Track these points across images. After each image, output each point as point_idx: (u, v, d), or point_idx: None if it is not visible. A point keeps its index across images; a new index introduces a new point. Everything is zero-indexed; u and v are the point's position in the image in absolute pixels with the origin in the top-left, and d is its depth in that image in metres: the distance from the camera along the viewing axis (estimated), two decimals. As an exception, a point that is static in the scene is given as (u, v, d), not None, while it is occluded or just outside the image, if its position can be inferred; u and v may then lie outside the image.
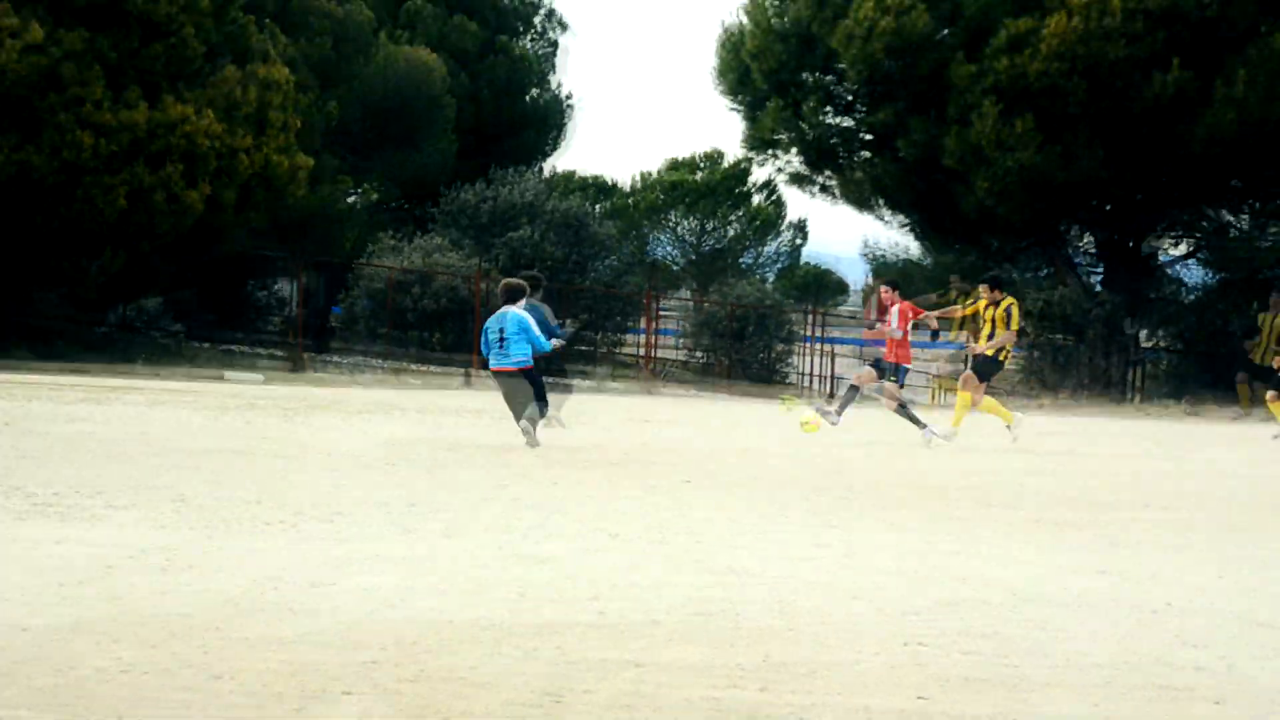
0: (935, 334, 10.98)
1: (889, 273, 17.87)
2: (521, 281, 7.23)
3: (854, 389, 8.59)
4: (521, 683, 2.28)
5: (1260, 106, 14.28)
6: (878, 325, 9.24)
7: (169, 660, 2.34)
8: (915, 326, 8.50)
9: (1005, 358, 8.73)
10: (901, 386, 8.48)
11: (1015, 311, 8.24)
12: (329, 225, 17.31)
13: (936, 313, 9.55)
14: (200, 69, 13.88)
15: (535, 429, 6.62)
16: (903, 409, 8.28)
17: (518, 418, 6.75)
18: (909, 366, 8.71)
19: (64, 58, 12.54)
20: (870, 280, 21.26)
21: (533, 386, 6.76)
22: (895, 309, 8.40)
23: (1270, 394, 9.83)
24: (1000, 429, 8.52)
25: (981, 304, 8.40)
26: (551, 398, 7.21)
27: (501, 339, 6.76)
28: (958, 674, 2.45)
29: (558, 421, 7.91)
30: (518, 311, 6.82)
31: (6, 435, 6.44)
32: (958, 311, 10.07)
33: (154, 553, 3.41)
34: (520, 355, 6.72)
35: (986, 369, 8.36)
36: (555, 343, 7.29)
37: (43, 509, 4.13)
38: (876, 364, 8.46)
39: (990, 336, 8.23)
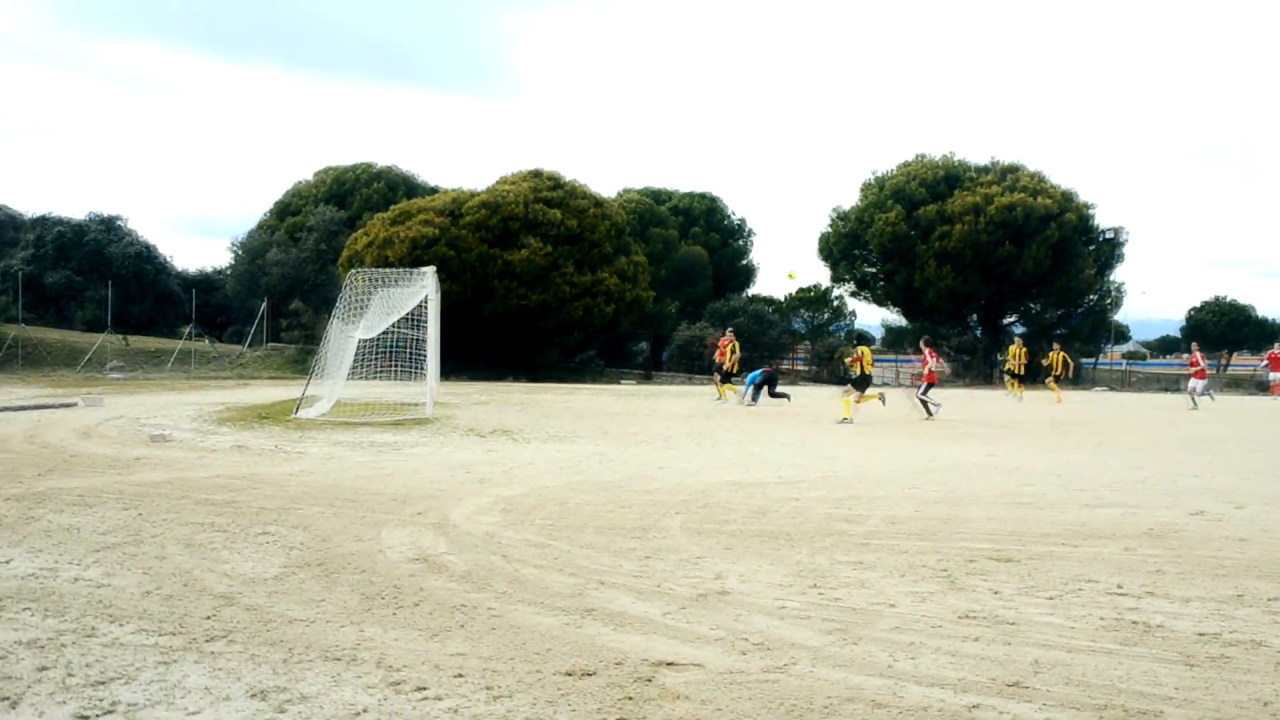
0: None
1: (912, 335, 45.46)
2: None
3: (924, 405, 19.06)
4: (748, 506, 7.84)
5: (1041, 261, 46.30)
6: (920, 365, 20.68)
7: (605, 500, 8.09)
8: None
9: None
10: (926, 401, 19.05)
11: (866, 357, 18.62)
12: (660, 320, 47.34)
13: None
14: (610, 257, 39.69)
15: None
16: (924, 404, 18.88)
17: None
18: (933, 384, 19.48)
19: (559, 257, 38.12)
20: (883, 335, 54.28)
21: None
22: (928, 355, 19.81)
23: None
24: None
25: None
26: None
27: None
28: (931, 499, 8.35)
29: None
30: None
31: (534, 408, 19.00)
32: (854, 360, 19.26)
33: (594, 456, 11.22)
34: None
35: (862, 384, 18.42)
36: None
37: (553, 438, 13.29)
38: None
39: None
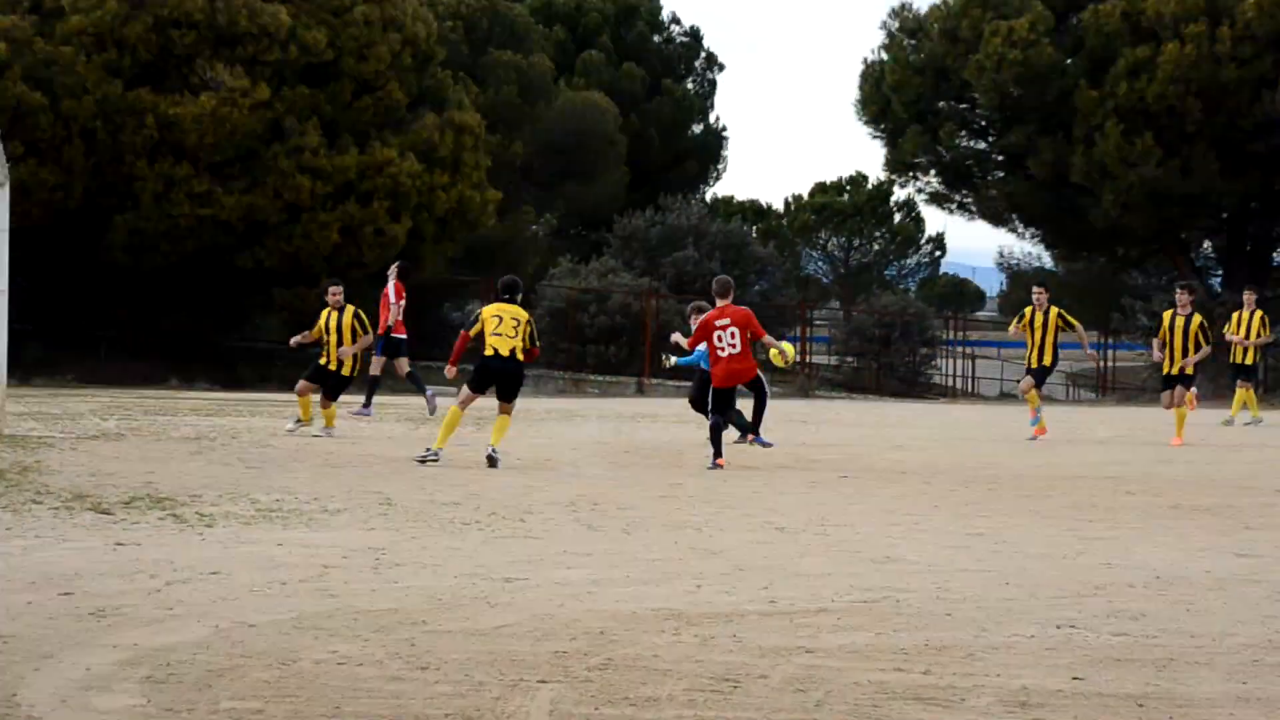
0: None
1: (1023, 282, 38.25)
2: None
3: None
4: (700, 668, 4.70)
5: None
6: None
7: (380, 652, 4.91)
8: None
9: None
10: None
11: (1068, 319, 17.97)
12: (515, 252, 35.07)
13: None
14: (403, 118, 29.68)
15: None
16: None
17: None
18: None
19: (286, 112, 27.85)
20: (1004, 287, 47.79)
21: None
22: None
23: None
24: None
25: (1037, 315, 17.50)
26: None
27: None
28: (1108, 654, 5.09)
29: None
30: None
31: (233, 449, 13.89)
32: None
33: (364, 553, 7.46)
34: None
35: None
36: None
37: (266, 514, 9.01)
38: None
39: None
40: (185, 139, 27.45)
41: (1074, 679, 4.96)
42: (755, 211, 51.02)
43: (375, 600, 6.54)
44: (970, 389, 40.37)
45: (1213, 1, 33.00)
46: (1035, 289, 18.12)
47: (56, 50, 27.13)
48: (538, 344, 13.31)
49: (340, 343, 16.04)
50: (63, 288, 28.85)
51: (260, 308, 31.33)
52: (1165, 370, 17.59)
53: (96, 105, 27.18)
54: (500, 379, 13.02)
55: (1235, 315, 21.71)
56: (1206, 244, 38.33)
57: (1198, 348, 17.02)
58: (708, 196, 45.21)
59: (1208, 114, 32.46)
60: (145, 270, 28.58)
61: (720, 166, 46.67)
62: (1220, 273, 37.46)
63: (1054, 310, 17.45)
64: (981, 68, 33.85)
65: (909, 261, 51.29)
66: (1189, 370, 17.09)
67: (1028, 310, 17.75)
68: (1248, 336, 21.05)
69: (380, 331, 18.56)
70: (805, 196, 52.29)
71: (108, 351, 30.08)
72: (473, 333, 13.22)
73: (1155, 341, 17.88)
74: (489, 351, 12.92)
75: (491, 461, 12.55)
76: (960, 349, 41.16)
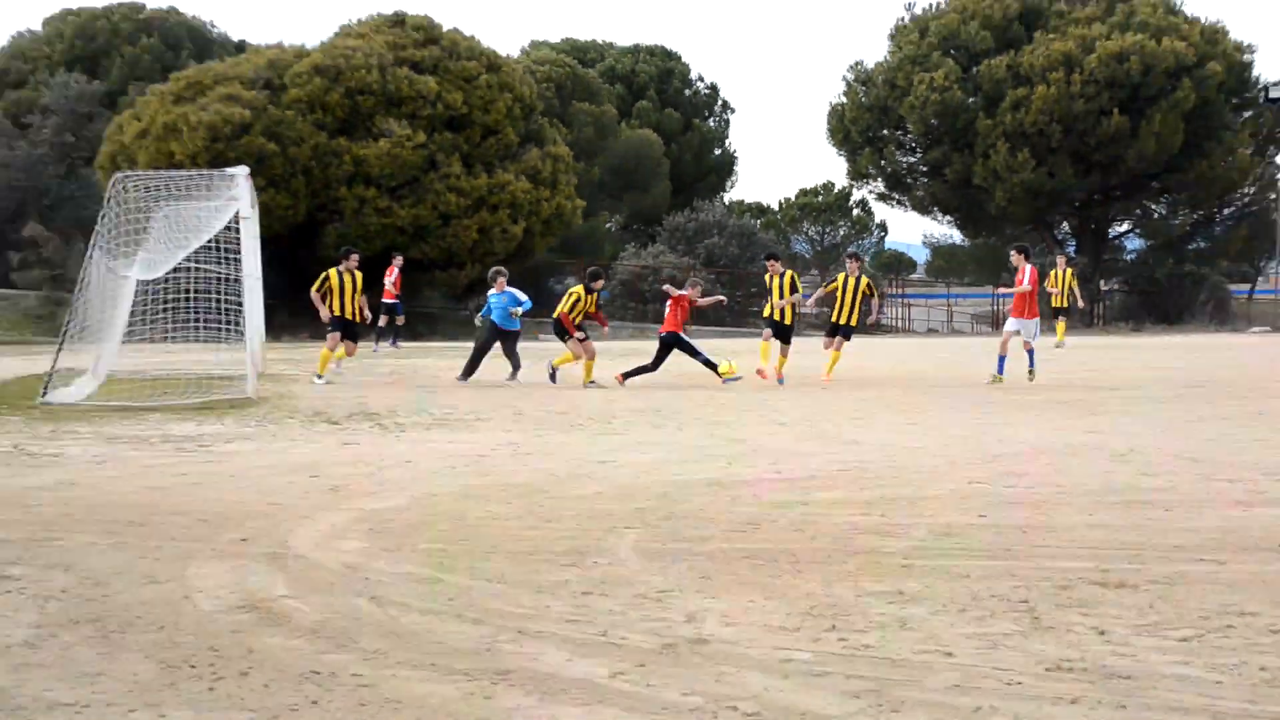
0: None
1: (970, 256, 65.15)
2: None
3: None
4: (731, 517, 8.10)
5: (1169, 138, 49.92)
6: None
7: (519, 510, 8.42)
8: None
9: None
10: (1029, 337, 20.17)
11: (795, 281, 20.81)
12: (594, 243, 54.70)
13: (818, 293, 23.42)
14: (516, 152, 42.26)
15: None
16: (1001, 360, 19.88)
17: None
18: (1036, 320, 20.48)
19: (437, 151, 40.28)
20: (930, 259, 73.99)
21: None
22: (1027, 270, 20.07)
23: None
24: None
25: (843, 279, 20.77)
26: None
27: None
28: (1002, 500, 8.68)
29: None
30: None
31: (414, 381, 20.75)
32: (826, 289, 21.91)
33: (505, 446, 11.89)
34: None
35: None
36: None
37: (440, 422, 14.14)
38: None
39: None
40: (371, 171, 38.66)
41: (980, 517, 7.96)
42: (759, 210, 72.89)
43: (514, 477, 9.88)
44: (907, 327, 56.86)
45: (1068, 57, 48.54)
46: (850, 259, 21.15)
47: (283, 113, 38.10)
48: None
49: (357, 297, 20.28)
50: (295, 274, 34.74)
51: (426, 284, 43.87)
52: (833, 319, 20.87)
53: (311, 150, 38.09)
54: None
55: (1052, 273, 30.62)
56: (1064, 225, 57.38)
57: (865, 302, 20.41)
58: (726, 200, 64.31)
59: (1065, 135, 50.45)
60: (350, 262, 42.08)
61: (733, 179, 67.85)
62: (1074, 244, 56.04)
63: (864, 279, 20.47)
64: (912, 106, 52.68)
65: (865, 242, 73.85)
66: (853, 322, 20.54)
67: (840, 276, 20.84)
68: (1061, 290, 30.10)
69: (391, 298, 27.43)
70: (792, 198, 77.22)
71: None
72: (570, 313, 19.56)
73: (821, 294, 22.14)
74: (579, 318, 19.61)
75: (553, 377, 19.61)
76: (900, 300, 61.82)
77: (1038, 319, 20.53)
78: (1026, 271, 19.92)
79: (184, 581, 6.51)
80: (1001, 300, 48.27)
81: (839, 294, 20.35)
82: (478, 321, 20.80)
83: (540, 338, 37.43)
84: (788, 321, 20.55)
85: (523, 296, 20.90)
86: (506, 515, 8.28)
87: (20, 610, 5.98)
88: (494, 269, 20.49)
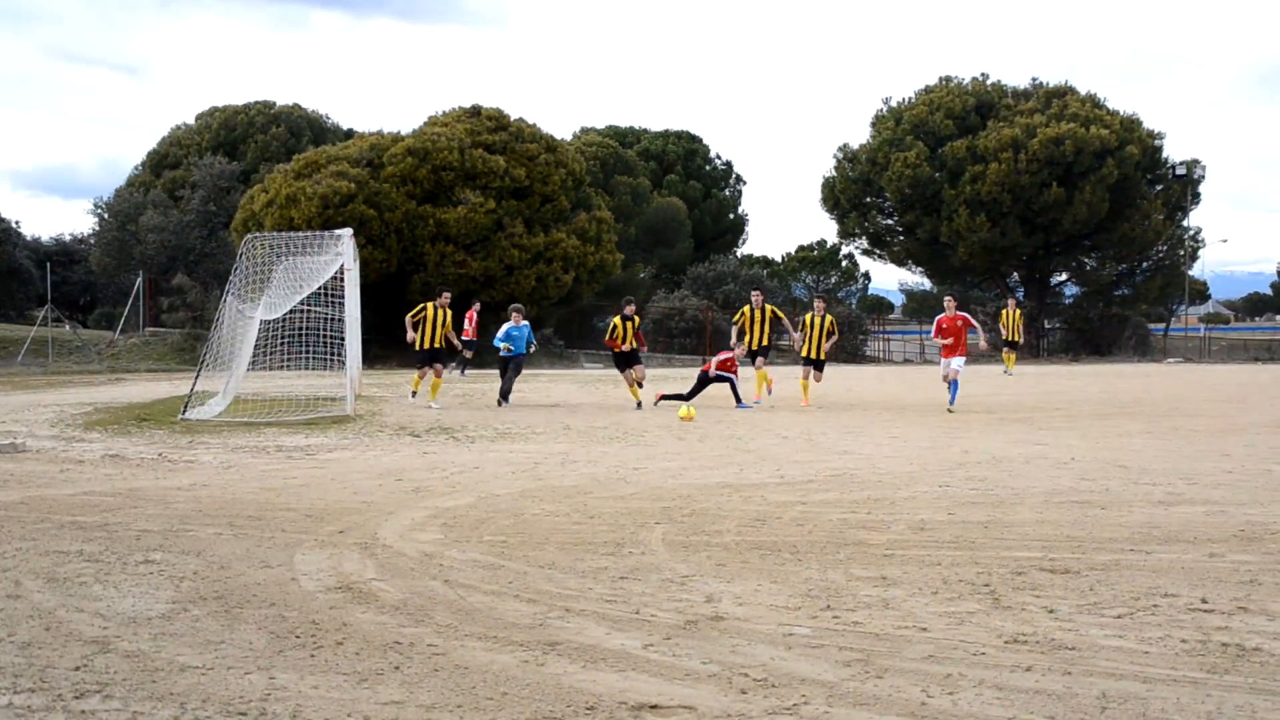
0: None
1: (915, 299, 68.57)
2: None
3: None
4: (743, 514, 8.13)
5: (1098, 205, 49.78)
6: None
7: (567, 509, 8.37)
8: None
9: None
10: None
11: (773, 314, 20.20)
12: (631, 289, 45.49)
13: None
14: (567, 216, 41.81)
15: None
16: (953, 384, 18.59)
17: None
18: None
19: (504, 215, 39.92)
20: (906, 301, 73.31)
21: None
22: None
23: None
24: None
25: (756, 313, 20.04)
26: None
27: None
28: (968, 500, 8.72)
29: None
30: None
31: (480, 403, 19.89)
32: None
33: (556, 455, 11.89)
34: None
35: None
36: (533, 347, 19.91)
37: (502, 435, 14.13)
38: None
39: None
40: (450, 231, 38.61)
41: (949, 514, 8.04)
42: (765, 261, 72.78)
43: (563, 481, 9.90)
44: (887, 358, 54.94)
45: (1015, 140, 48.60)
46: (817, 299, 20.37)
47: (381, 186, 38.21)
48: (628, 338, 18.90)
49: (443, 330, 19.39)
50: (387, 315, 35.72)
51: (493, 324, 42.40)
52: (804, 354, 19.80)
53: (402, 215, 38.16)
54: (630, 358, 18.85)
55: (1003, 313, 29.98)
56: (1015, 275, 57.10)
57: (829, 338, 19.53)
58: (739, 254, 64.59)
59: (1014, 203, 50.16)
60: (432, 305, 41.94)
61: (745, 237, 68.02)
62: (1023, 290, 55.77)
63: (829, 318, 19.63)
64: (890, 179, 52.68)
65: (851, 288, 74.45)
66: (821, 355, 19.60)
67: (808, 316, 20.03)
68: (1010, 328, 28.98)
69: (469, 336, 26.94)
70: (793, 252, 77.45)
71: (412, 350, 41.83)
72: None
73: (797, 336, 20.01)
74: (627, 347, 18.75)
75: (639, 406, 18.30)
76: (881, 336, 57.74)
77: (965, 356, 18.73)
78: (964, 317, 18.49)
79: (291, 566, 6.52)
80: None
81: (806, 331, 19.62)
82: (502, 350, 19.03)
83: (586, 366, 38.45)
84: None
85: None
86: (556, 512, 8.23)
87: (159, 588, 5.97)
88: (513, 306, 19.64)
